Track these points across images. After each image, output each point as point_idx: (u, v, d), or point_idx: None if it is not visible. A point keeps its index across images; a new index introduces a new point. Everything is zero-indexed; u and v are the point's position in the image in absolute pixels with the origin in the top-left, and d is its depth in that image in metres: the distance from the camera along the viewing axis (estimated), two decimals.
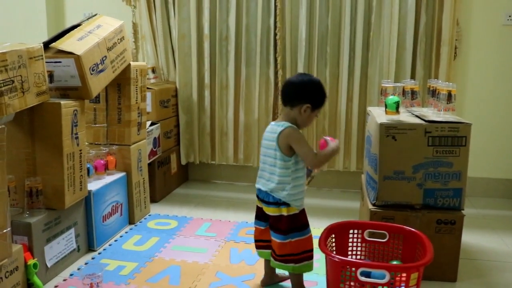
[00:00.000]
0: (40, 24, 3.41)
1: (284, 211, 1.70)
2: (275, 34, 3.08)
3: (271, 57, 3.11)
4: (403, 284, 1.49)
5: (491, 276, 2.03)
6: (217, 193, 3.21)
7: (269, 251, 1.80)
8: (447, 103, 1.99)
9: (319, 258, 2.06)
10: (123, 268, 2.04)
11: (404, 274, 1.49)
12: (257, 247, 1.87)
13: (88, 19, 2.31)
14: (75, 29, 2.15)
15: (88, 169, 2.22)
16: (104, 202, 2.28)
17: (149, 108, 2.88)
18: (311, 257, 1.74)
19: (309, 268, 1.75)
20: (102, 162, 2.36)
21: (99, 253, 2.20)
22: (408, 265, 1.57)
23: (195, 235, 2.42)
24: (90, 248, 2.23)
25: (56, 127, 1.90)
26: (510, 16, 2.90)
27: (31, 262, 1.77)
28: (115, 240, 2.34)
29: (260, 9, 3.05)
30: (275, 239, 1.73)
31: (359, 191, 2.66)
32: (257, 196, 1.79)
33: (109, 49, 2.22)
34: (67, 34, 2.09)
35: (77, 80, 2.01)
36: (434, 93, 2.14)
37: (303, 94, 1.70)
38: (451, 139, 1.89)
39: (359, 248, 1.87)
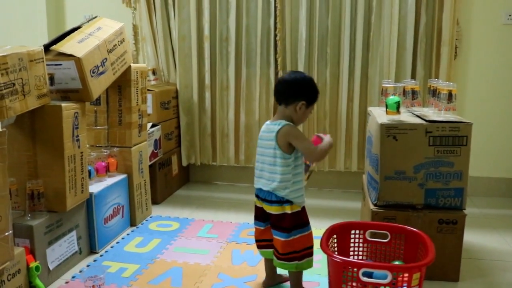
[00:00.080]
0: (40, 26, 3.42)
1: (288, 209, 1.71)
2: (275, 35, 3.08)
3: (272, 58, 3.11)
4: (405, 284, 1.48)
5: (493, 276, 2.03)
6: (219, 194, 3.21)
7: (271, 250, 1.80)
8: (448, 103, 1.99)
9: (320, 258, 2.06)
10: (125, 270, 2.04)
11: (406, 274, 1.49)
12: (259, 247, 1.88)
13: (88, 21, 2.32)
14: (76, 32, 2.15)
15: (89, 171, 2.22)
16: (105, 204, 2.28)
17: (149, 110, 2.88)
18: (311, 254, 1.76)
19: (310, 264, 1.77)
20: (103, 164, 2.36)
21: (101, 255, 2.20)
22: (410, 265, 1.57)
23: (196, 236, 2.42)
24: (92, 250, 2.23)
25: (57, 130, 1.91)
26: (510, 15, 2.90)
27: (33, 264, 1.77)
28: (117, 242, 2.34)
29: (260, 10, 3.05)
30: (279, 237, 1.73)
31: (360, 191, 2.65)
32: (257, 196, 1.80)
33: (109, 51, 2.22)
34: (67, 37, 2.09)
35: (78, 83, 2.02)
36: (434, 93, 2.14)
37: (297, 92, 1.72)
38: (452, 138, 1.89)
39: (360, 249, 1.87)
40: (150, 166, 2.78)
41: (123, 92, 2.46)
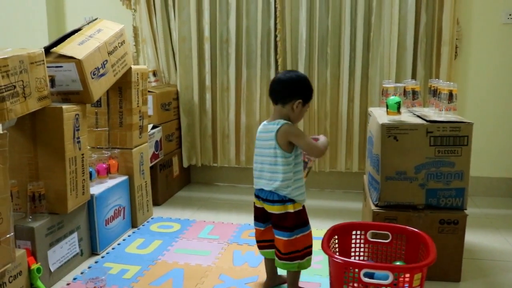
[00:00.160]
0: (40, 28, 3.42)
1: (290, 208, 1.71)
2: (276, 36, 3.08)
3: (272, 59, 3.11)
4: (406, 285, 1.48)
5: (495, 276, 2.03)
6: (220, 195, 3.21)
7: (273, 250, 1.80)
8: (449, 103, 1.99)
9: (322, 259, 2.06)
10: (126, 272, 2.04)
11: (407, 275, 1.48)
12: (260, 247, 1.88)
13: (88, 23, 2.32)
14: (76, 34, 2.16)
15: (90, 173, 2.23)
16: (106, 205, 2.28)
17: (150, 111, 2.88)
18: (311, 253, 1.77)
19: (310, 263, 1.78)
20: (104, 166, 2.36)
21: (102, 257, 2.20)
22: (412, 266, 1.57)
23: (198, 237, 2.42)
24: (93, 252, 2.23)
25: (58, 132, 1.91)
26: (510, 15, 2.89)
27: (34, 266, 1.77)
28: (118, 244, 2.35)
29: (260, 11, 3.05)
30: (281, 237, 1.73)
31: (361, 192, 2.65)
32: (258, 197, 1.80)
33: (110, 53, 2.22)
34: (68, 39, 2.10)
35: (79, 85, 2.02)
36: (435, 93, 2.13)
37: (294, 91, 1.74)
38: (453, 138, 1.89)
39: (362, 249, 1.87)
40: (151, 167, 2.79)
41: (124, 93, 2.46)
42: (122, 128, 2.48)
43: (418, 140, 1.91)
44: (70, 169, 1.96)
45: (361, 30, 2.96)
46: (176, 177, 3.25)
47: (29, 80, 1.75)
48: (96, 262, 2.15)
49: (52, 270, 1.93)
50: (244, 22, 3.09)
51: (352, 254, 1.86)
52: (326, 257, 1.60)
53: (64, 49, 2.00)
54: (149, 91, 2.83)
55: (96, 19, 2.38)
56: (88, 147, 2.21)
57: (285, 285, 1.91)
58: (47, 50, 1.98)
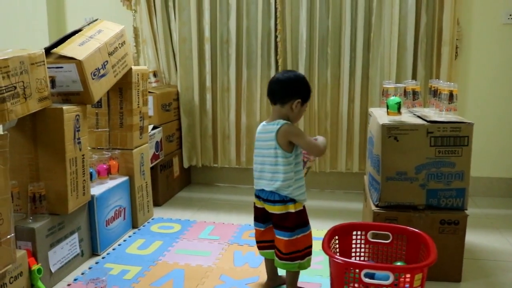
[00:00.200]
0: (41, 29, 3.43)
1: (292, 208, 1.72)
2: (276, 36, 3.08)
3: (272, 59, 3.11)
4: (407, 285, 1.48)
5: (496, 276, 2.03)
6: (220, 196, 3.21)
7: (273, 251, 1.81)
8: (449, 103, 1.99)
9: (322, 260, 2.06)
10: (127, 272, 2.04)
11: (408, 275, 1.48)
12: (260, 248, 1.88)
13: (89, 24, 2.32)
14: (76, 35, 2.16)
15: (91, 174, 2.23)
16: (107, 206, 2.28)
17: (151, 112, 2.88)
18: (311, 253, 1.78)
19: (309, 263, 1.78)
20: (104, 166, 2.37)
21: (103, 258, 2.20)
22: (412, 266, 1.57)
23: (198, 238, 2.42)
24: (94, 252, 2.23)
25: (59, 132, 1.91)
26: (510, 15, 2.89)
27: (35, 267, 1.77)
28: (119, 244, 2.35)
29: (260, 11, 3.05)
30: (282, 237, 1.73)
31: (361, 192, 2.65)
32: (258, 197, 1.80)
33: (110, 53, 2.22)
34: (68, 40, 2.10)
35: (79, 85, 2.02)
36: (435, 93, 2.13)
37: (293, 90, 1.74)
38: (453, 139, 1.89)
39: (362, 250, 1.87)
40: (152, 168, 2.79)
41: (124, 94, 2.46)
42: (123, 129, 2.48)
43: (419, 141, 1.91)
44: (71, 169, 1.96)
45: (361, 30, 2.96)
46: (177, 178, 3.25)
47: (29, 81, 1.75)
48: (96, 263, 2.15)
49: (52, 270, 1.93)
50: (244, 22, 3.09)
51: (353, 254, 1.86)
52: (327, 257, 1.60)
53: (64, 50, 2.01)
54: (149, 92, 2.83)
55: (96, 19, 2.38)
56: (89, 148, 2.21)
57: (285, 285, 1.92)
58: (48, 51, 1.98)
